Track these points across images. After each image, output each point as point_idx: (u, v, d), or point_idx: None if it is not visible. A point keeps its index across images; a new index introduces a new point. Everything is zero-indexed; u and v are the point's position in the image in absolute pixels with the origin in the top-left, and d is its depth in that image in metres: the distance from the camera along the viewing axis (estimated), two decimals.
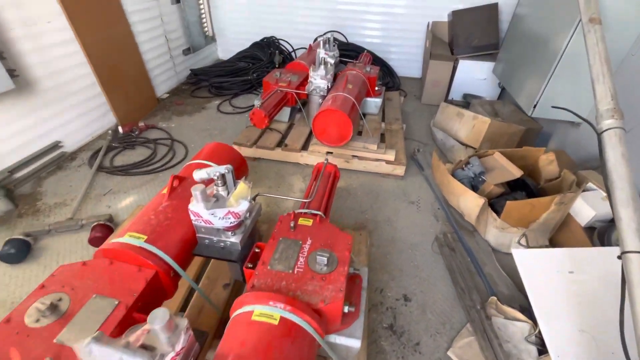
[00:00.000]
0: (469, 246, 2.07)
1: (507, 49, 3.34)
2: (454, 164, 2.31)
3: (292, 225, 1.39)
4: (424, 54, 4.49)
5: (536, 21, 2.74)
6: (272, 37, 5.12)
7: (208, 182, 1.30)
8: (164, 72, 4.16)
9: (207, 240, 1.37)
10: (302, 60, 3.48)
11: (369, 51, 4.59)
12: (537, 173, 2.30)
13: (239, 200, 1.29)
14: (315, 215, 1.48)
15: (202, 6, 4.95)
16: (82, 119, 3.03)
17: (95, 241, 2.03)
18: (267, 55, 4.88)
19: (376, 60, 4.76)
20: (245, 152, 2.89)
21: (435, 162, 2.44)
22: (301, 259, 1.26)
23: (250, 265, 1.30)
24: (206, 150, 1.94)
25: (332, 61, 2.71)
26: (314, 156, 2.79)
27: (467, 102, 3.99)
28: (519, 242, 1.93)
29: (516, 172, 2.05)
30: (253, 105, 2.61)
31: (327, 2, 4.70)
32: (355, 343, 1.27)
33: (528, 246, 1.90)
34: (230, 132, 3.43)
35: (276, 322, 1.04)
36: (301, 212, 1.50)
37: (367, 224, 2.35)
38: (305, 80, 3.05)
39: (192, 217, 1.27)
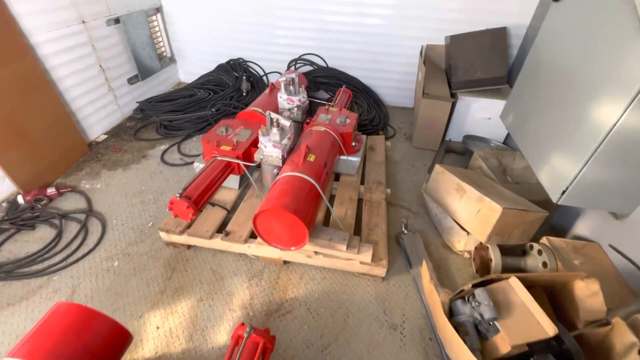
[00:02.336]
0: None
1: (520, 94, 2.62)
2: (453, 294, 1.61)
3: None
4: (417, 86, 3.76)
5: (566, 63, 2.01)
6: (239, 59, 4.37)
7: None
8: (100, 108, 3.41)
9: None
10: (261, 103, 2.75)
11: (348, 85, 3.88)
12: (569, 303, 1.60)
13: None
14: None
15: (154, 24, 4.18)
16: None
17: None
18: (233, 79, 4.14)
19: (360, 90, 4.04)
20: (176, 238, 2.17)
21: (427, 286, 1.74)
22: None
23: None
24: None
25: (288, 124, 2.00)
26: (266, 247, 2.07)
27: (468, 149, 3.28)
28: None
29: (549, 329, 1.35)
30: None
31: (310, 20, 3.94)
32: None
33: None
34: (168, 195, 2.70)
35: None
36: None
37: None
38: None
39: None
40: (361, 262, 1.98)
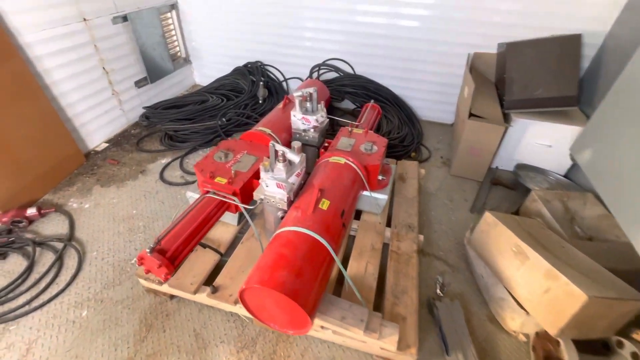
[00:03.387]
0: None
1: (605, 123, 2.02)
2: None
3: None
4: (460, 101, 3.19)
5: None
6: (257, 62, 3.97)
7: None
8: (102, 114, 3.12)
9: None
10: (271, 121, 2.32)
11: (377, 97, 3.38)
12: None
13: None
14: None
15: (169, 22, 3.86)
16: None
17: None
18: (249, 84, 3.75)
19: (390, 102, 3.52)
20: (157, 287, 1.79)
21: None
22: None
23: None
24: None
25: (297, 159, 1.55)
26: None
27: (521, 182, 2.68)
28: None
29: None
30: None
31: (339, 22, 3.45)
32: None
33: None
34: (160, 224, 2.34)
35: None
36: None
37: None
38: None
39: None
40: (382, 348, 1.50)
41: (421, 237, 2.08)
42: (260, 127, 2.19)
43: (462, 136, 2.70)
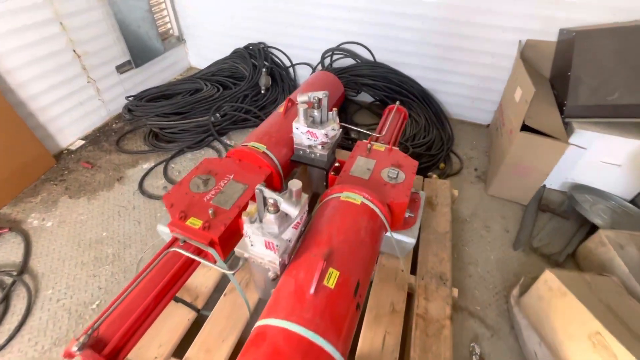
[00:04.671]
0: None
1: None
2: None
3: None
4: (505, 101, 2.59)
5: None
6: (260, 43, 3.39)
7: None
8: (76, 106, 2.66)
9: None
10: (267, 134, 1.81)
11: (401, 90, 2.83)
12: None
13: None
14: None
15: None
16: None
17: None
18: (251, 70, 3.21)
19: (416, 97, 2.95)
20: None
21: None
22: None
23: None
24: None
25: (295, 212, 1.08)
26: None
27: (573, 207, 2.15)
28: None
29: None
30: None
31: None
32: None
33: None
34: (132, 251, 1.93)
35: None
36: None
37: None
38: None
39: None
40: None
41: (455, 292, 1.62)
42: (252, 142, 1.69)
43: (508, 150, 2.16)
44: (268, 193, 1.08)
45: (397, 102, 2.11)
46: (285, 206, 1.08)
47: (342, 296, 1.07)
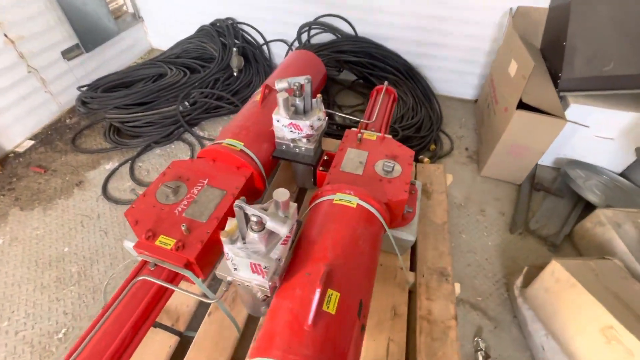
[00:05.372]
0: None
1: None
2: None
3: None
4: (495, 76, 2.43)
5: None
6: (228, 19, 3.05)
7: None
8: (18, 102, 2.30)
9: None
10: (244, 127, 1.59)
11: (385, 66, 2.63)
12: None
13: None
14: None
15: None
16: None
17: None
18: (220, 50, 2.89)
19: (402, 74, 2.77)
20: None
21: None
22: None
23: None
24: None
25: (285, 230, 0.92)
26: None
27: (567, 184, 2.10)
28: None
29: None
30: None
31: None
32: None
33: None
34: (102, 267, 1.71)
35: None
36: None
37: None
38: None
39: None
40: None
41: (457, 287, 1.53)
42: (227, 139, 1.47)
43: (503, 130, 2.04)
44: (250, 210, 0.90)
45: (386, 83, 1.92)
46: (272, 224, 0.90)
47: (345, 321, 0.94)
